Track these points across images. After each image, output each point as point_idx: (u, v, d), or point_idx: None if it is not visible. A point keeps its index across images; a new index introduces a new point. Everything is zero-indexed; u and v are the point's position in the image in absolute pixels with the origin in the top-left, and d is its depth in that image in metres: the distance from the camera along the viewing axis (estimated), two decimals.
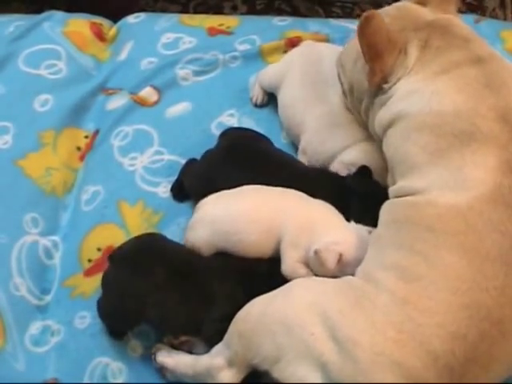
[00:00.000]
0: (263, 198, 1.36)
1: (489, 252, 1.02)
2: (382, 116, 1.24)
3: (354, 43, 1.26)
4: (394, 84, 1.21)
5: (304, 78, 1.54)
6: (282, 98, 1.59)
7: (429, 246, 1.05)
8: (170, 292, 1.27)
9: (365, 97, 1.29)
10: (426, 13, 1.27)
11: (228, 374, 1.18)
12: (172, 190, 1.53)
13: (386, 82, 1.21)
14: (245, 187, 1.38)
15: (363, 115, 1.33)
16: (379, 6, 1.32)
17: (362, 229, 1.29)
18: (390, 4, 1.34)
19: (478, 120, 1.09)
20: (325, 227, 1.29)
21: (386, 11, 1.30)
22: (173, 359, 1.26)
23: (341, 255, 1.22)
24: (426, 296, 1.02)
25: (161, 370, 1.27)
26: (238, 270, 1.30)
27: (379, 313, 1.04)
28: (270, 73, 1.66)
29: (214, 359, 1.19)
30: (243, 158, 1.46)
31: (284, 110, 1.58)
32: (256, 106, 1.68)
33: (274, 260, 1.30)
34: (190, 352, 1.28)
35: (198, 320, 1.26)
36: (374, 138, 1.34)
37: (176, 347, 1.30)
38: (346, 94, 1.39)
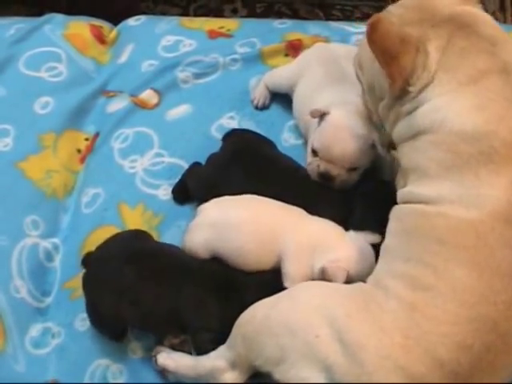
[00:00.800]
0: (265, 208, 1.36)
1: (499, 267, 1.02)
2: (403, 127, 1.20)
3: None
4: (420, 93, 1.15)
5: (325, 73, 1.53)
6: (299, 92, 1.58)
7: (439, 258, 1.05)
8: (143, 291, 1.27)
9: (386, 97, 1.23)
10: (446, 4, 1.18)
11: (230, 376, 1.18)
12: (173, 192, 1.53)
13: (409, 84, 1.15)
14: (247, 196, 1.38)
15: (380, 113, 1.28)
16: (380, 8, 1.30)
17: (362, 239, 1.29)
18: None
19: (496, 143, 1.06)
20: (328, 244, 1.29)
21: (402, 2, 1.24)
22: (174, 361, 1.26)
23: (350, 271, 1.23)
24: (433, 305, 1.03)
25: (162, 372, 1.27)
26: (215, 278, 1.29)
27: (387, 317, 1.04)
28: (282, 74, 1.66)
29: (217, 361, 1.20)
30: (248, 163, 1.46)
31: (300, 104, 1.56)
32: (257, 108, 1.68)
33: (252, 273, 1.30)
34: (190, 352, 1.29)
35: (177, 320, 1.27)
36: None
37: (176, 347, 1.30)
38: (365, 93, 1.34)
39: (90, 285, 1.33)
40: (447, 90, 1.12)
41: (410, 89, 1.15)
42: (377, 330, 1.04)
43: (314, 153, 1.39)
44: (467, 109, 1.09)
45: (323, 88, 1.49)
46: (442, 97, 1.12)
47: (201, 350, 1.25)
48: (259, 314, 1.15)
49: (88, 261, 1.36)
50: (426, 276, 1.05)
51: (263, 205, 1.37)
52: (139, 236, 1.39)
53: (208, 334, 1.24)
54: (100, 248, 1.36)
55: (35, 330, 1.40)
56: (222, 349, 1.21)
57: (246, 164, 1.46)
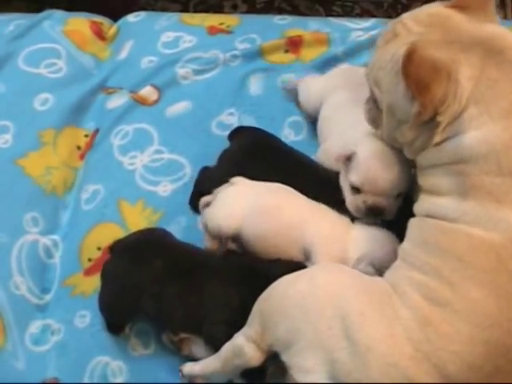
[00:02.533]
0: (292, 198, 1.35)
1: None
2: (429, 156, 1.15)
3: (389, 59, 1.14)
4: (449, 125, 1.08)
5: (349, 97, 1.47)
6: (323, 115, 1.53)
7: (457, 275, 1.04)
8: (168, 285, 1.27)
9: (409, 122, 1.13)
10: (468, 24, 1.13)
11: (249, 349, 1.16)
12: (191, 203, 1.50)
13: (438, 113, 1.08)
14: (276, 184, 1.37)
15: (398, 134, 1.19)
16: (380, 4, 1.29)
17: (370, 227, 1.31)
18: (391, 3, 1.26)
19: None
20: (352, 238, 1.30)
21: (416, 17, 1.17)
22: (199, 365, 1.26)
23: (373, 264, 1.23)
24: (447, 322, 1.02)
25: (191, 381, 1.27)
26: (238, 271, 1.29)
27: (399, 326, 1.03)
28: (310, 90, 1.61)
29: (236, 339, 1.18)
30: (263, 156, 1.45)
31: (324, 128, 1.51)
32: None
33: (277, 262, 1.29)
34: (190, 352, 1.30)
35: (195, 317, 1.27)
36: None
37: (176, 345, 1.31)
38: (383, 113, 1.21)
39: (114, 271, 1.33)
40: (477, 125, 1.07)
41: (439, 118, 1.09)
42: (387, 336, 1.03)
43: (356, 190, 1.30)
44: (493, 145, 1.06)
45: (347, 115, 1.42)
46: (471, 132, 1.07)
47: (217, 344, 1.24)
48: (277, 292, 1.15)
49: (115, 248, 1.35)
50: (443, 290, 1.04)
51: (290, 195, 1.35)
52: (166, 233, 1.39)
53: (225, 327, 1.23)
54: (127, 239, 1.37)
55: (35, 327, 1.41)
56: (242, 329, 1.20)
57: (261, 157, 1.45)
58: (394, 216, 1.30)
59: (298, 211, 1.32)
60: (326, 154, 1.43)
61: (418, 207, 1.18)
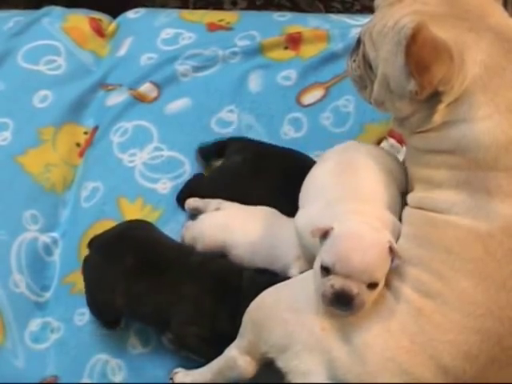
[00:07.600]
0: (275, 225, 1.35)
1: (505, 282, 1.01)
2: (426, 140, 1.13)
3: (391, 26, 1.09)
4: (452, 107, 1.07)
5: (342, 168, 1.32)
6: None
7: (446, 267, 1.05)
8: (137, 282, 1.28)
9: (406, 97, 1.10)
10: (476, 3, 1.11)
11: (243, 362, 1.16)
12: (179, 200, 1.50)
13: (441, 93, 1.06)
14: (268, 211, 1.38)
15: (389, 105, 1.16)
16: None
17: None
18: None
19: None
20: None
21: None
22: (190, 375, 1.25)
23: None
24: (439, 313, 1.02)
25: None
26: (213, 275, 1.29)
27: (395, 320, 1.04)
28: None
29: (229, 352, 1.18)
30: (259, 172, 1.45)
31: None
32: None
33: (252, 273, 1.29)
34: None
35: (163, 315, 1.27)
36: None
37: (175, 345, 1.31)
38: (377, 82, 1.16)
39: (90, 267, 1.34)
40: (484, 116, 1.05)
41: (443, 98, 1.07)
42: (384, 331, 1.04)
43: (326, 270, 1.10)
44: (497, 141, 1.05)
45: (337, 184, 1.29)
46: (478, 123, 1.05)
47: (186, 345, 1.27)
48: (269, 299, 1.15)
49: (94, 243, 1.36)
50: (433, 283, 1.05)
51: (275, 220, 1.36)
52: (145, 226, 1.39)
53: (194, 328, 1.25)
54: (105, 234, 1.37)
55: (34, 325, 1.41)
56: (234, 341, 1.20)
57: (255, 173, 1.45)
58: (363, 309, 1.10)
59: (283, 235, 1.32)
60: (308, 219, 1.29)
61: (410, 198, 1.18)
